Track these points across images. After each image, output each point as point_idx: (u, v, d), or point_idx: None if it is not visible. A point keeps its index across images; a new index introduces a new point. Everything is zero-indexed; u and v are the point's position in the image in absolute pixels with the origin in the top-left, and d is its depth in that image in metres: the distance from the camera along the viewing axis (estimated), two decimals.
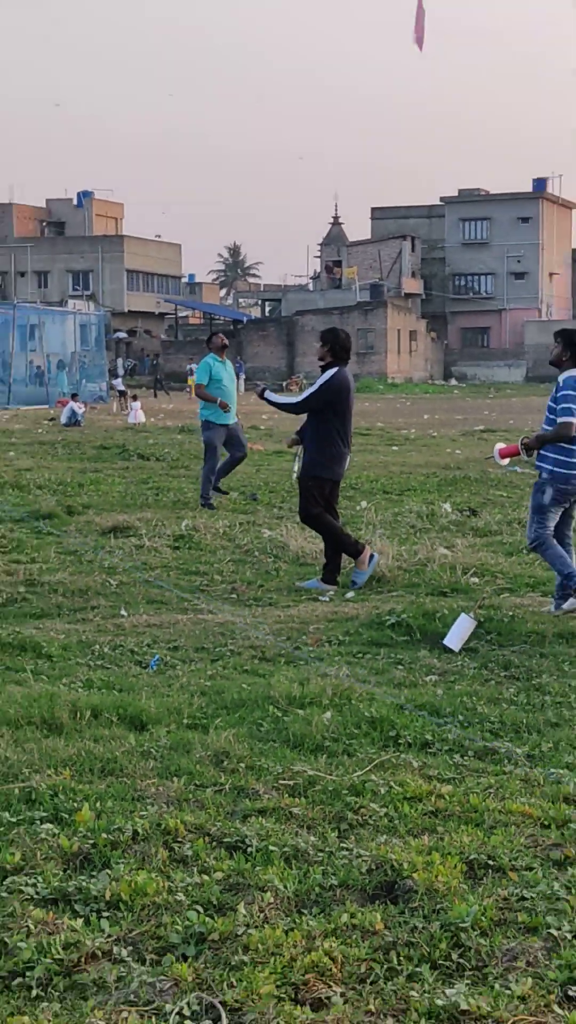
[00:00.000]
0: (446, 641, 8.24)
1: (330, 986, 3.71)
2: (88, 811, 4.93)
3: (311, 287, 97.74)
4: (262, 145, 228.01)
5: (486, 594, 9.77)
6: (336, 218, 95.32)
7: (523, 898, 4.29)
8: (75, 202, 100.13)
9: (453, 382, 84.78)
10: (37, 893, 4.28)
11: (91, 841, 4.68)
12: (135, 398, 40.78)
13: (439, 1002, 3.60)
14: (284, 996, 3.65)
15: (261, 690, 6.84)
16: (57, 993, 3.71)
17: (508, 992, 3.68)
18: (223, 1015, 3.54)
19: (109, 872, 4.43)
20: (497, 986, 3.72)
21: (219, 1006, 3.59)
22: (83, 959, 3.88)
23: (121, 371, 65.47)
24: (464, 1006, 3.57)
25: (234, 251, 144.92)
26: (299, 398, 10.79)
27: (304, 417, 10.91)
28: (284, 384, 71.59)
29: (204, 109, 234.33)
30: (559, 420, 9.20)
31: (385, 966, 3.84)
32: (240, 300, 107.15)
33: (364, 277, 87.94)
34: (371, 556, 10.63)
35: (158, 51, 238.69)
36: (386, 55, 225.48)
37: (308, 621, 9.11)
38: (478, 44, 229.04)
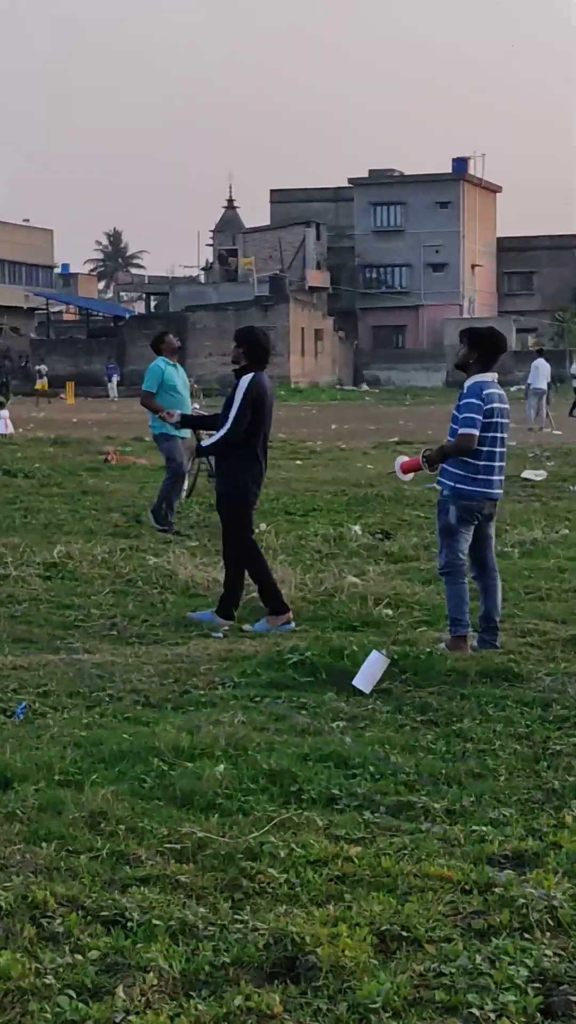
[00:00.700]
0: (355, 682, 8.26)
1: None
2: None
3: (203, 279, 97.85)
4: (146, 117, 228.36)
5: (400, 628, 9.83)
6: (231, 201, 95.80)
7: (441, 974, 4.32)
8: None
9: (364, 387, 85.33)
10: None
11: None
12: (1, 405, 40.42)
13: None
14: None
15: (144, 741, 6.80)
16: None
17: None
18: None
19: None
20: None
21: None
22: None
23: None
24: None
25: (114, 238, 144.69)
26: (225, 428, 10.47)
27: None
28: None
29: (80, 76, 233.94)
30: (460, 432, 9.32)
31: None
32: (122, 293, 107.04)
33: (263, 268, 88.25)
34: (289, 622, 10.44)
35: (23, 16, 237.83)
36: (288, 18, 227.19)
37: (199, 661, 9.08)
38: (391, 9, 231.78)
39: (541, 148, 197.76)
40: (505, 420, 9.51)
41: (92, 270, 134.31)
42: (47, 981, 4.22)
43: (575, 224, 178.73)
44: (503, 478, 9.63)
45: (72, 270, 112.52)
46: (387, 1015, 4.05)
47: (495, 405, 9.39)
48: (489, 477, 9.40)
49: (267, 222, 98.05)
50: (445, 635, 9.59)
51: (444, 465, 9.51)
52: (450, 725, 7.45)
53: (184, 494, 19.67)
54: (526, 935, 4.60)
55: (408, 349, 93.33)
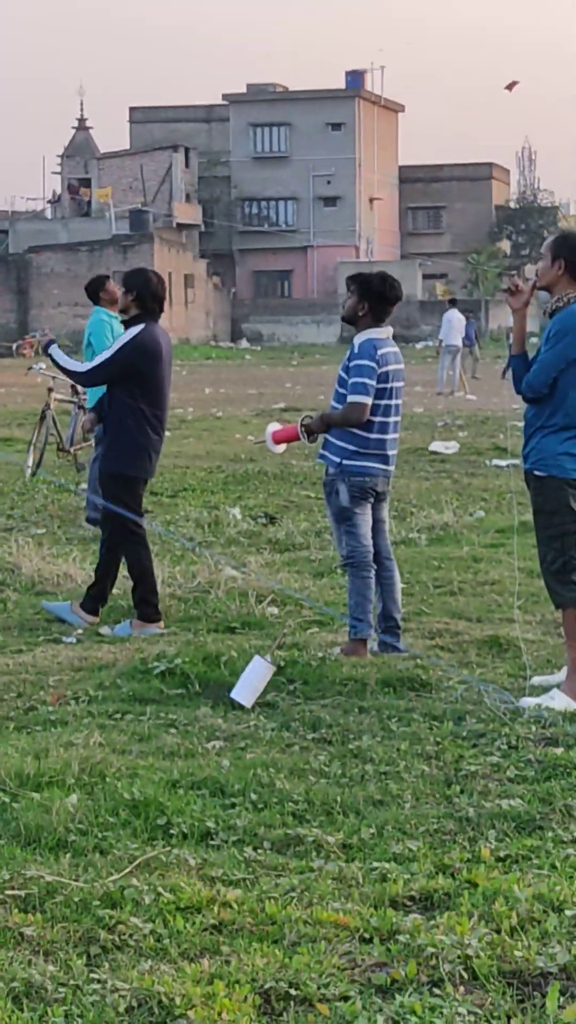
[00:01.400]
0: (234, 694, 8.28)
1: None
2: None
3: (49, 214, 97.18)
4: None
5: (288, 629, 9.85)
6: (82, 121, 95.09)
7: None
8: None
9: (244, 344, 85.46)
10: None
11: None
12: None
13: None
14: None
15: None
16: None
17: None
18: None
19: None
20: None
21: None
22: None
23: None
24: None
25: None
26: (89, 364, 10.65)
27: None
28: (15, 347, 70.93)
29: None
30: (349, 399, 9.37)
31: None
32: None
33: (122, 201, 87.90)
34: (157, 631, 10.37)
35: None
36: None
37: (47, 671, 9.04)
38: None
39: (450, 59, 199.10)
40: (401, 384, 9.58)
41: None
42: None
43: (491, 151, 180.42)
44: (396, 451, 9.69)
45: None
46: None
47: (390, 367, 9.44)
48: (383, 451, 9.46)
49: (126, 146, 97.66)
50: (341, 637, 9.64)
51: (329, 437, 9.54)
52: (346, 744, 7.48)
53: (28, 471, 19.57)
54: (436, 990, 4.64)
55: (295, 299, 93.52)
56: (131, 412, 10.40)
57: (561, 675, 8.60)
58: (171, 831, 6.12)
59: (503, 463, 20.41)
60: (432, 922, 5.14)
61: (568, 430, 8.39)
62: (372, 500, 9.54)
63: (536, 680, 8.70)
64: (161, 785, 6.59)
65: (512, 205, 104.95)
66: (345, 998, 4.59)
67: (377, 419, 9.40)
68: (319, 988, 4.63)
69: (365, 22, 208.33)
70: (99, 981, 4.67)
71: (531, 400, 8.51)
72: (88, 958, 4.89)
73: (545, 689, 8.45)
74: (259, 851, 5.93)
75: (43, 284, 79.10)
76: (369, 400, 9.31)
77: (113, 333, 15.24)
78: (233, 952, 4.93)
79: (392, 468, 9.63)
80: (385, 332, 9.57)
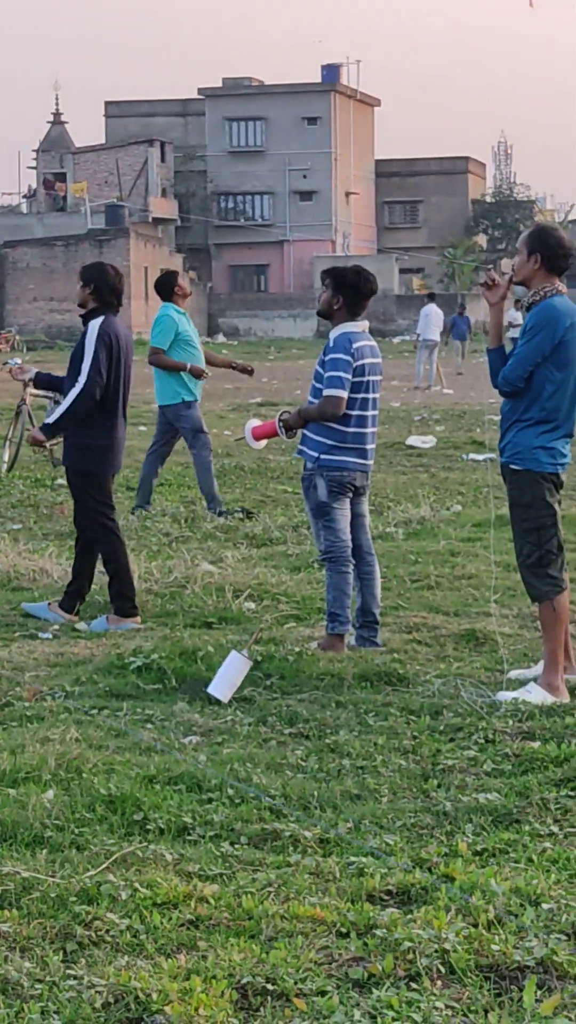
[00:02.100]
0: (211, 689, 8.28)
1: None
2: None
3: (24, 209, 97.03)
4: None
5: (265, 624, 9.85)
6: (57, 115, 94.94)
7: None
8: None
9: (221, 338, 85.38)
10: None
11: None
12: None
13: None
14: None
15: None
16: None
17: None
18: None
19: None
20: None
21: None
22: None
23: None
24: None
25: None
26: (78, 388, 10.31)
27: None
28: None
29: None
30: (325, 393, 9.37)
31: None
32: None
33: (97, 195, 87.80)
34: (133, 626, 10.34)
35: None
36: None
37: (23, 667, 9.03)
38: None
39: (425, 53, 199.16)
40: (378, 377, 9.58)
41: None
42: None
43: (466, 145, 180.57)
44: (375, 445, 9.69)
45: None
46: None
47: (366, 361, 9.44)
48: (361, 446, 9.46)
49: (102, 140, 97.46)
50: (319, 632, 9.64)
51: (306, 432, 9.54)
52: (323, 738, 7.49)
53: (4, 467, 19.54)
54: (413, 985, 4.64)
55: (272, 293, 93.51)
56: (93, 409, 10.35)
57: (538, 669, 8.61)
58: (148, 827, 6.12)
59: (480, 457, 20.42)
60: (409, 916, 5.14)
61: (544, 424, 8.40)
62: (351, 494, 9.54)
63: (513, 674, 8.70)
64: (138, 780, 6.58)
65: (488, 199, 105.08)
66: (322, 993, 4.59)
67: (354, 413, 9.40)
68: (296, 983, 4.63)
69: (341, 16, 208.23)
70: (75, 977, 4.66)
71: (507, 394, 8.52)
72: (64, 954, 4.89)
73: (522, 683, 8.46)
74: (236, 846, 5.94)
75: (19, 279, 78.95)
76: (344, 394, 9.30)
77: (179, 329, 15.24)
78: (210, 947, 4.93)
79: (370, 462, 9.62)
80: (361, 326, 9.56)
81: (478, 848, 5.92)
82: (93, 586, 10.82)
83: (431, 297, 44.02)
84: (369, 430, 9.52)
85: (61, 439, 11.17)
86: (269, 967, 4.72)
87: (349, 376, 9.32)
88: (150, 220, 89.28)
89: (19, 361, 19.87)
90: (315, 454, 9.44)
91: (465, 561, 12.55)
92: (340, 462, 9.40)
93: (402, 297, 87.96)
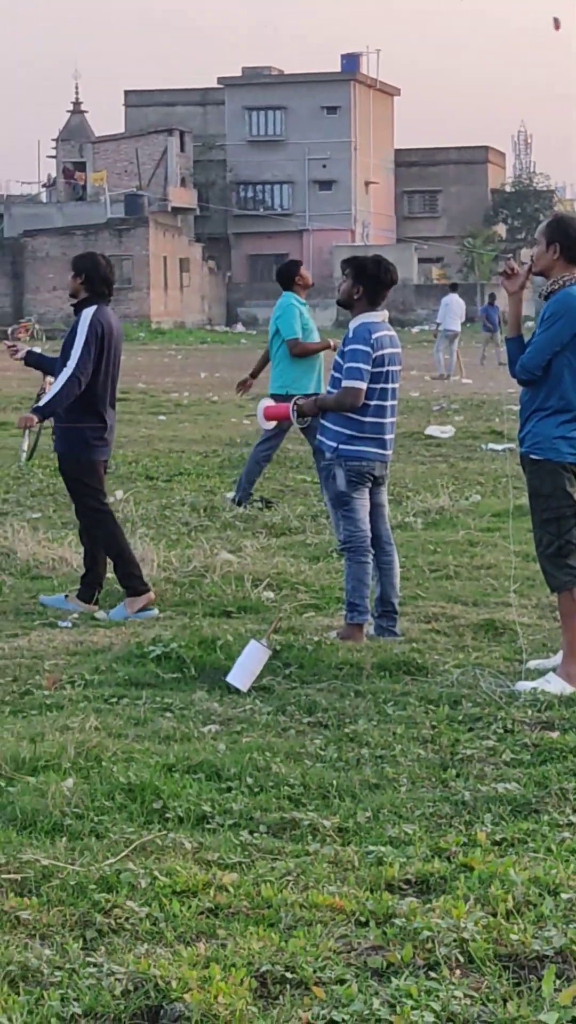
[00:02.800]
0: (230, 678, 8.28)
1: None
2: None
3: (44, 198, 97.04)
4: None
5: (283, 613, 9.86)
6: (77, 104, 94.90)
7: (332, 1021, 4.34)
8: None
9: (240, 328, 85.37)
10: None
11: None
12: None
13: None
14: None
15: None
16: None
17: None
18: None
19: None
20: None
21: None
22: None
23: None
24: None
25: None
26: (67, 372, 10.37)
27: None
28: (11, 331, 70.73)
29: None
30: (343, 383, 9.37)
31: None
32: None
33: (117, 185, 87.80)
34: (151, 606, 10.44)
35: None
36: None
37: (42, 655, 9.05)
38: None
39: (445, 42, 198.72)
40: (397, 368, 9.57)
41: None
42: None
43: (486, 135, 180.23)
44: (394, 436, 9.69)
45: None
46: None
47: (386, 351, 9.43)
48: (380, 436, 9.46)
49: (121, 130, 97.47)
50: (337, 622, 9.64)
51: (325, 422, 9.55)
52: (342, 728, 7.49)
53: (23, 456, 19.54)
54: (432, 974, 4.64)
55: None
56: (83, 396, 10.41)
57: (557, 659, 8.60)
58: (167, 815, 6.13)
59: (499, 447, 20.40)
60: (428, 906, 5.14)
61: (563, 413, 8.39)
62: (370, 484, 9.54)
63: (532, 664, 8.70)
64: (157, 769, 6.59)
65: (508, 189, 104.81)
66: (341, 981, 4.59)
67: (373, 403, 9.39)
68: (315, 971, 4.64)
69: (361, 5, 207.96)
70: (95, 965, 4.67)
71: (525, 382, 8.51)
72: (84, 942, 4.90)
73: (541, 673, 8.46)
74: (255, 835, 5.94)
75: (38, 268, 79.01)
76: (363, 385, 9.30)
77: (302, 318, 15.23)
78: (229, 935, 4.93)
79: (390, 452, 9.62)
80: (380, 316, 9.55)
81: (497, 838, 5.92)
82: (109, 575, 10.83)
83: (453, 287, 44.03)
84: (388, 420, 9.51)
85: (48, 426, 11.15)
86: (288, 955, 4.73)
87: (368, 367, 9.31)
88: (169, 209, 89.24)
89: (39, 350, 19.87)
90: (334, 444, 9.44)
91: (484, 551, 12.55)
92: (359, 452, 9.40)
93: (421, 287, 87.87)
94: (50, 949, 4.82)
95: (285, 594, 10.77)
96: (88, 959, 4.72)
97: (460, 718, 7.62)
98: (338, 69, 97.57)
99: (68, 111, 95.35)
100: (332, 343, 14.72)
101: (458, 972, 4.68)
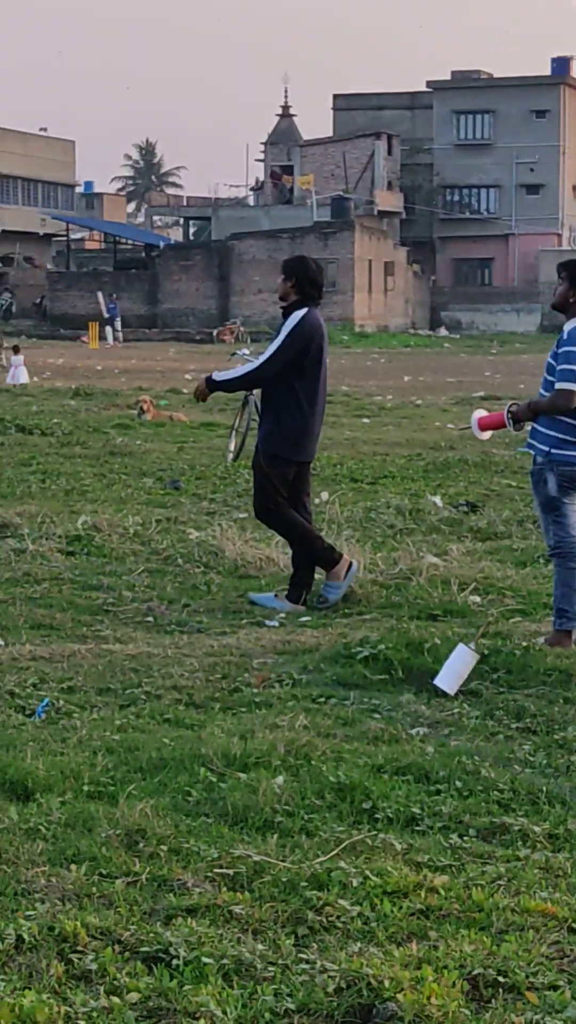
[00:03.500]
0: (438, 681, 8.28)
1: None
2: None
3: (251, 201, 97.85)
4: (184, 6, 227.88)
5: (491, 618, 9.81)
6: (286, 108, 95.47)
7: None
8: None
9: (443, 332, 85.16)
10: None
11: None
12: (16, 350, 40.61)
13: None
14: None
15: (188, 747, 6.85)
16: None
17: None
18: None
19: None
20: None
21: None
22: None
23: None
24: None
25: (147, 151, 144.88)
26: (259, 360, 10.72)
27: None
28: (215, 333, 71.56)
29: None
30: (557, 386, 9.27)
31: None
32: (155, 218, 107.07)
33: (323, 188, 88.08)
34: (349, 566, 10.71)
35: None
36: None
37: (251, 653, 9.12)
38: None
39: None
40: None
41: (120, 190, 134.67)
42: None
43: None
44: None
45: (96, 189, 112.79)
46: None
47: None
48: None
49: (329, 133, 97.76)
50: (545, 627, 9.57)
51: (536, 426, 9.48)
52: (551, 734, 7.45)
53: (230, 456, 19.75)
54: None
55: (496, 287, 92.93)
56: (290, 396, 10.55)
57: None
58: (376, 815, 6.14)
59: None
60: None
61: None
62: None
63: None
64: (366, 769, 6.61)
65: None
66: (554, 987, 4.57)
67: None
68: (528, 976, 4.62)
69: (573, 7, 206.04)
70: (308, 961, 4.70)
71: None
72: (296, 938, 4.93)
73: None
74: (465, 838, 5.93)
75: (244, 271, 79.61)
76: None
77: None
78: (440, 937, 4.93)
79: None
80: None
81: None
82: (318, 575, 10.90)
83: None
84: None
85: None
86: (500, 959, 4.72)
87: None
88: (375, 213, 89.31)
89: (247, 351, 20.06)
90: (546, 448, 9.36)
91: None
92: (572, 456, 9.31)
93: None
94: (263, 944, 4.86)
95: (491, 599, 10.73)
96: (300, 955, 4.76)
97: None
98: (548, 72, 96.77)
99: (277, 115, 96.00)
100: None
101: None
